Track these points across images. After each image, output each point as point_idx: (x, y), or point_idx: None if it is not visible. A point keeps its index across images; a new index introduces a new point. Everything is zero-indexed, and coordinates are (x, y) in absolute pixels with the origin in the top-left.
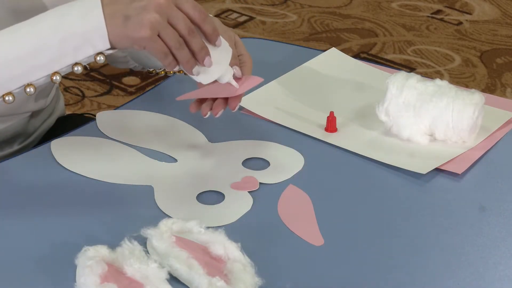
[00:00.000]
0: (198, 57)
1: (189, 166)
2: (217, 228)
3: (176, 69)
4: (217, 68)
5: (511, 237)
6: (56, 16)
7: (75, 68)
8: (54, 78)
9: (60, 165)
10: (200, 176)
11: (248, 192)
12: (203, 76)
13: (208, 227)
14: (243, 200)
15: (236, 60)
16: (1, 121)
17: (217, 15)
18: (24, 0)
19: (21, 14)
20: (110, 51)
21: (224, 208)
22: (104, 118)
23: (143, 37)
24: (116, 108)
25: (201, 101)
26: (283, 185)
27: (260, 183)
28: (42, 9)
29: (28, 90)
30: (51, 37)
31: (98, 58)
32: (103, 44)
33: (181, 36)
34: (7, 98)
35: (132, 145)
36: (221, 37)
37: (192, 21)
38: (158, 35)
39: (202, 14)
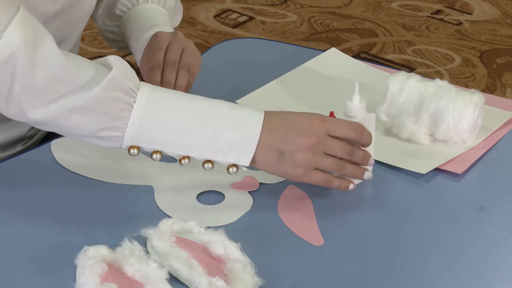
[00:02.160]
0: (363, 166)
1: (190, 166)
2: (217, 228)
3: (351, 187)
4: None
5: (511, 237)
6: (221, 111)
7: (206, 165)
8: (183, 161)
9: (60, 165)
10: (200, 176)
11: (248, 192)
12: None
13: (208, 227)
14: (243, 200)
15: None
16: (5, 129)
17: (217, 15)
18: (39, 7)
19: (49, 19)
20: (245, 168)
21: (224, 208)
22: None
23: (296, 175)
24: None
25: None
26: (283, 185)
27: (260, 183)
28: (65, 12)
29: (155, 155)
30: (203, 128)
31: (231, 170)
32: (244, 161)
33: (341, 159)
34: (132, 151)
35: None
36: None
37: (352, 140)
38: (316, 169)
39: (358, 131)
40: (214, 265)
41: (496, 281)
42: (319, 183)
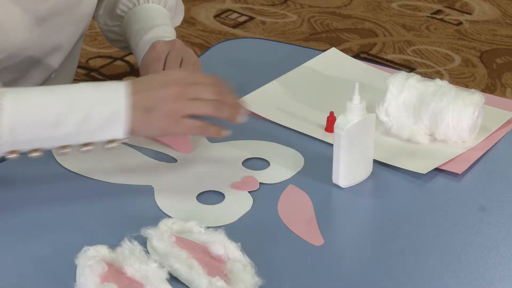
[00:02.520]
0: (237, 110)
1: (189, 166)
2: (217, 228)
3: (225, 133)
4: None
5: (511, 237)
6: (84, 95)
7: (85, 148)
8: (62, 151)
9: (61, 165)
10: (200, 176)
11: (248, 192)
12: None
13: (208, 227)
14: (243, 200)
15: None
16: None
17: (217, 15)
18: (40, 7)
19: (43, 19)
20: (126, 139)
21: (224, 208)
22: None
23: (169, 126)
24: None
25: None
26: (283, 185)
27: (260, 183)
28: (61, 13)
29: (34, 154)
30: (71, 116)
31: (109, 145)
32: (119, 134)
33: (214, 99)
34: (11, 156)
35: (132, 145)
36: None
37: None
38: (187, 116)
39: (218, 83)
40: (214, 265)
41: (496, 281)
42: (194, 131)
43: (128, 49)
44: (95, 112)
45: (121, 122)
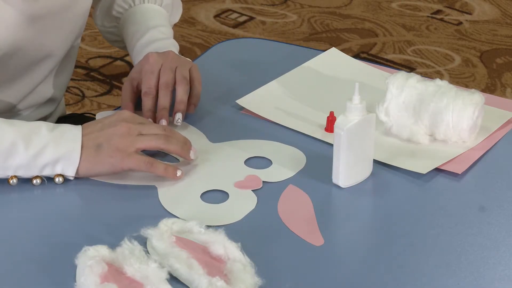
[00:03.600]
0: (187, 146)
1: (192, 166)
2: (217, 228)
3: (179, 174)
4: None
5: (511, 237)
6: (39, 132)
7: (34, 181)
8: (12, 181)
9: None
10: (203, 175)
11: (252, 190)
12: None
13: (208, 227)
14: (247, 199)
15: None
16: None
17: (217, 15)
18: (36, 6)
19: (35, 19)
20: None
21: (229, 207)
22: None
23: (118, 161)
24: (116, 108)
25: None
26: (283, 185)
27: (263, 181)
28: (55, 13)
29: None
30: (24, 149)
31: (57, 179)
32: (70, 172)
33: (162, 133)
34: None
35: None
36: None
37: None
38: (137, 151)
39: (167, 128)
40: (214, 265)
41: (496, 281)
42: (143, 167)
43: (126, 48)
44: (49, 149)
45: (73, 163)
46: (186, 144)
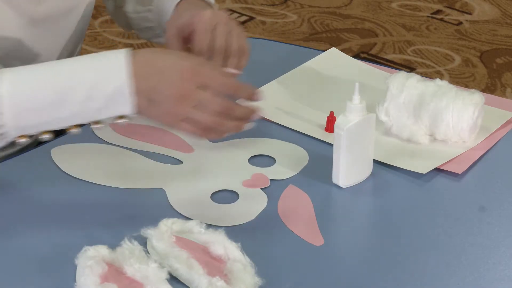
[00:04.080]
0: (242, 124)
1: (197, 167)
2: (217, 228)
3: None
4: None
5: (511, 237)
6: (85, 72)
7: (95, 126)
8: (73, 130)
9: (65, 172)
10: (210, 176)
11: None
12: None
13: (208, 227)
14: (257, 198)
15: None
16: None
17: None
18: (39, 8)
19: (37, 22)
20: (134, 116)
21: (241, 207)
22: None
23: (165, 122)
24: None
25: None
26: (283, 184)
27: (270, 179)
28: (57, 17)
29: (44, 136)
30: (74, 96)
31: (119, 121)
32: (127, 111)
33: (218, 115)
34: (21, 141)
35: (134, 149)
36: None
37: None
38: (187, 121)
39: (231, 86)
40: (214, 265)
41: (496, 281)
42: (191, 134)
43: (158, 37)
44: (98, 91)
45: (126, 100)
46: (238, 126)
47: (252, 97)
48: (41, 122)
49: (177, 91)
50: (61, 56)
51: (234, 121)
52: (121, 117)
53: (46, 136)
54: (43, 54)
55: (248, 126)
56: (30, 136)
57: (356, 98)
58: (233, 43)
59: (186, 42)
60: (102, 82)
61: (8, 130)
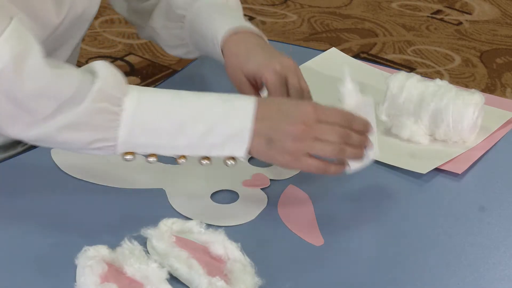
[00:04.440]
0: (362, 151)
1: (196, 167)
2: (217, 228)
3: (349, 168)
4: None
5: (511, 237)
6: (207, 108)
7: (203, 161)
8: (180, 161)
9: (65, 173)
10: (209, 176)
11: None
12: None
13: (208, 227)
14: (257, 198)
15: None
16: None
17: None
18: (58, 19)
19: (52, 30)
20: (242, 159)
21: (241, 207)
22: None
23: (287, 162)
24: None
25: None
26: (283, 185)
27: (270, 179)
28: (65, 22)
29: (151, 159)
30: (195, 127)
31: (229, 162)
32: (240, 153)
33: (337, 143)
34: (127, 157)
35: None
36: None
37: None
38: (308, 155)
39: (347, 119)
40: (214, 265)
41: (496, 281)
42: (313, 171)
43: (191, 54)
44: (219, 128)
45: (243, 142)
46: (359, 152)
47: (365, 128)
48: (154, 145)
49: (296, 128)
50: (63, 57)
51: (354, 148)
52: (232, 158)
53: (152, 159)
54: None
55: (371, 154)
56: (135, 156)
57: (348, 82)
58: (304, 94)
59: (256, 88)
60: (227, 120)
61: (118, 144)
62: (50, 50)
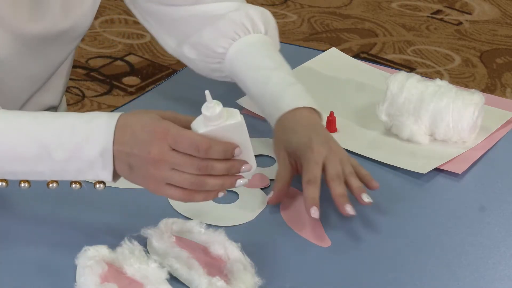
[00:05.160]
0: (228, 179)
1: None
2: (217, 228)
3: (221, 195)
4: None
5: (511, 237)
6: (67, 132)
7: (73, 185)
8: (51, 185)
9: None
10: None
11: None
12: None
13: (208, 227)
14: (258, 198)
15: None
16: None
17: None
18: (28, 27)
19: (25, 40)
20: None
21: (240, 207)
22: None
23: (149, 189)
24: (116, 108)
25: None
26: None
27: (270, 179)
28: (46, 35)
29: (23, 185)
30: (57, 152)
31: (97, 186)
32: (106, 177)
33: (196, 175)
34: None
35: None
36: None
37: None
38: (169, 185)
39: (201, 151)
40: (214, 265)
41: (496, 281)
42: (178, 199)
43: (227, 79)
44: (81, 153)
45: (107, 165)
46: (226, 182)
47: (226, 155)
48: (18, 172)
49: (151, 155)
50: (50, 76)
51: (218, 179)
52: (100, 182)
53: (24, 185)
54: (33, 74)
55: (242, 182)
56: (7, 184)
57: (209, 106)
58: (346, 169)
59: (296, 170)
60: (86, 146)
61: None
62: (24, 60)
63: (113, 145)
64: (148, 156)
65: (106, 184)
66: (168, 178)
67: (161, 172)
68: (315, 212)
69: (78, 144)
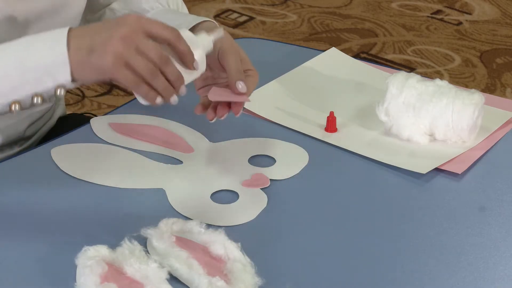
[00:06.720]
0: (174, 87)
1: (197, 167)
2: (217, 228)
3: (159, 101)
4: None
5: (511, 237)
6: (20, 46)
7: (35, 99)
8: (13, 107)
9: (65, 172)
10: (209, 176)
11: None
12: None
13: (208, 227)
14: (257, 198)
15: (242, 75)
16: (1, 130)
17: (217, 15)
18: (19, 7)
19: (16, 21)
20: (73, 85)
21: (240, 207)
22: (99, 124)
23: (106, 66)
24: (116, 108)
25: (205, 106)
26: (283, 185)
27: (270, 179)
28: (37, 16)
29: (13, 107)
30: (12, 67)
31: (58, 91)
32: (65, 77)
33: (153, 64)
34: None
35: (134, 149)
36: (198, 53)
37: (167, 42)
38: (127, 65)
39: (174, 33)
40: (214, 265)
41: (496, 281)
42: (128, 83)
43: None
44: (34, 62)
45: (65, 66)
46: (168, 89)
47: (185, 58)
48: None
49: (122, 29)
50: None
51: (165, 82)
52: (60, 86)
53: (15, 106)
54: None
55: (173, 100)
56: None
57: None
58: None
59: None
60: (41, 52)
61: None
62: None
63: (71, 40)
64: (120, 29)
65: (67, 90)
66: (130, 57)
67: (126, 50)
68: (242, 88)
69: (31, 53)
